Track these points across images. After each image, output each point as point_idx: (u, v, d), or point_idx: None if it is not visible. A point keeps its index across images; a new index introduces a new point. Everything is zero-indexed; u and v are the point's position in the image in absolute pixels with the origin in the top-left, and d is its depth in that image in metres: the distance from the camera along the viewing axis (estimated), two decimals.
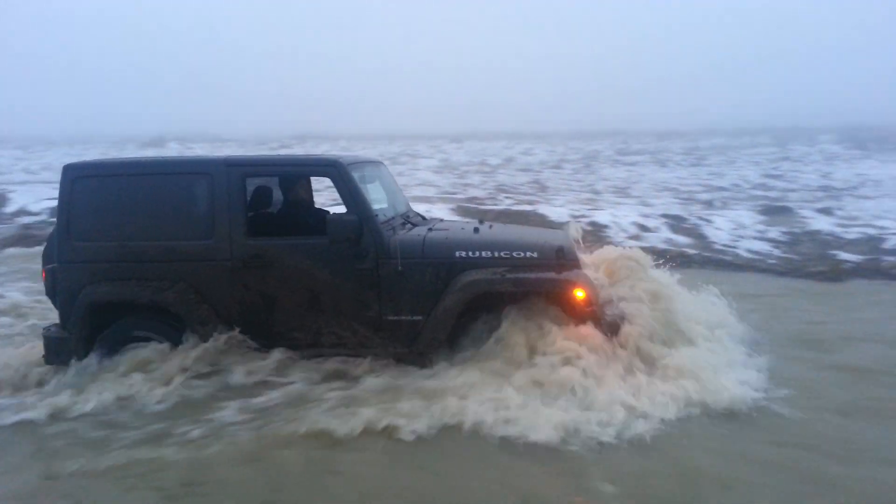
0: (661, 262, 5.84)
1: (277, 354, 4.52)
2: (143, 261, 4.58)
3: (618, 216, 12.28)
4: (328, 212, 5.08)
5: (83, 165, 4.79)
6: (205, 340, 4.47)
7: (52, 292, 4.75)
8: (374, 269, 4.46)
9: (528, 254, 4.51)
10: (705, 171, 22.82)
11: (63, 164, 4.85)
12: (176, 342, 4.56)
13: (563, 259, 4.50)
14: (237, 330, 4.53)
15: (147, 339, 4.63)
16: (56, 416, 4.16)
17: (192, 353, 4.45)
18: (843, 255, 9.26)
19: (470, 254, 4.50)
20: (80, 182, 4.67)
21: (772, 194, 17.03)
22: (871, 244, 9.99)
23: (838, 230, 11.20)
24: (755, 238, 10.85)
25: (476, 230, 4.86)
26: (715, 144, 34.41)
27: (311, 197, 5.62)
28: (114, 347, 4.62)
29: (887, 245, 9.85)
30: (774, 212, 13.33)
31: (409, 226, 5.00)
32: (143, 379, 4.39)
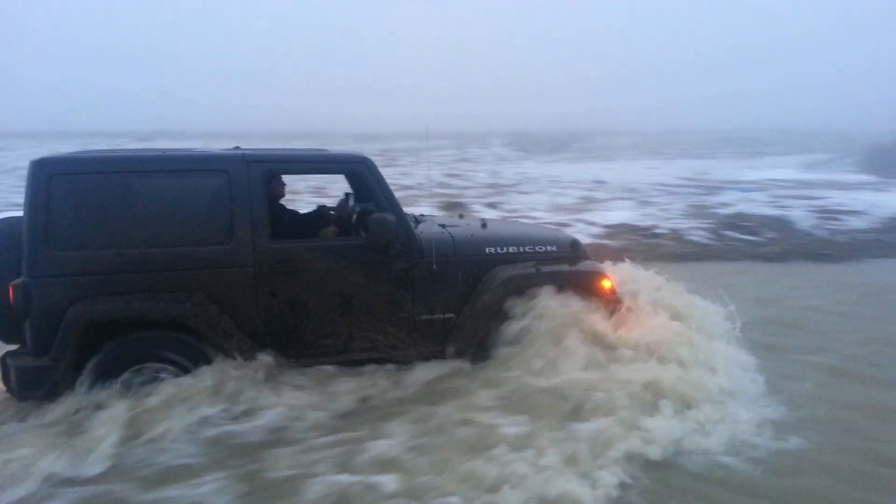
0: None
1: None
2: (147, 270, 3.94)
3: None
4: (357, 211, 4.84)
5: (64, 160, 4.00)
6: (231, 357, 4.00)
7: (23, 311, 3.79)
8: (409, 268, 4.37)
9: (549, 248, 4.79)
10: (396, 171, 24.11)
11: (31, 160, 3.92)
12: (195, 362, 3.97)
13: (578, 252, 4.85)
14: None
15: (148, 361, 3.93)
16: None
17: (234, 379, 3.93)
18: None
19: (498, 250, 4.64)
20: (61, 180, 3.85)
21: (450, 191, 19.06)
22: None
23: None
24: None
25: (484, 226, 5.01)
26: (407, 147, 36.92)
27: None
28: (111, 374, 3.88)
29: None
30: (451, 207, 15.03)
31: (416, 224, 4.87)
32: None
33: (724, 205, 15.10)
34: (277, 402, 3.92)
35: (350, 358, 4.33)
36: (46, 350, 3.81)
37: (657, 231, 12.44)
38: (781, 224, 12.93)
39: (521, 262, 4.60)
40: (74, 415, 3.73)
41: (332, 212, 4.91)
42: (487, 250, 4.60)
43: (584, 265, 4.77)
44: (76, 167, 3.97)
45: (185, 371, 3.97)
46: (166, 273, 3.97)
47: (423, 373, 4.33)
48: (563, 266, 4.68)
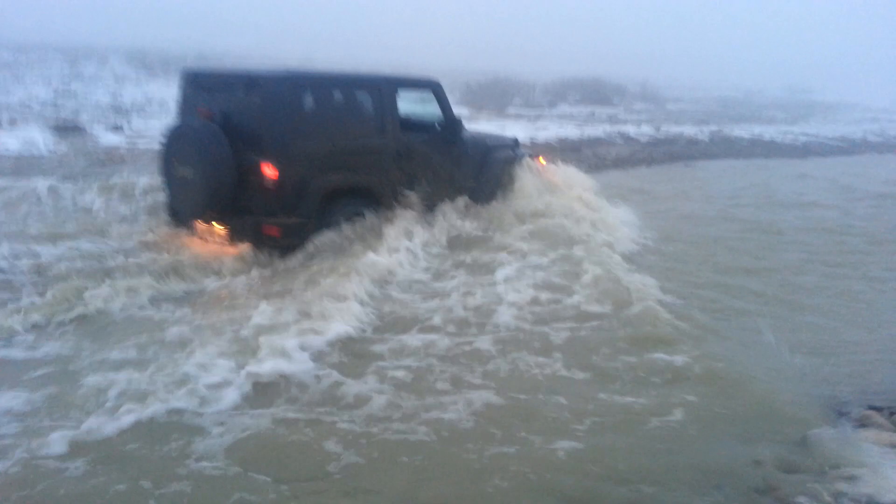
0: None
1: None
2: (348, 154, 5.96)
3: None
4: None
5: (298, 75, 5.91)
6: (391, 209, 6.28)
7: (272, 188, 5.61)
8: (461, 153, 7.20)
9: (510, 142, 8.26)
10: None
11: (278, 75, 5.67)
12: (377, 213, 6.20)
13: (518, 144, 8.45)
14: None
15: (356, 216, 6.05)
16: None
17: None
18: None
19: (492, 143, 7.89)
20: (293, 91, 5.63)
21: (64, 113, 17.24)
22: None
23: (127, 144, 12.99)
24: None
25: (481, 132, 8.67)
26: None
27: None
28: (339, 223, 5.86)
29: None
30: (67, 131, 13.91)
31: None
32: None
33: None
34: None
35: (433, 204, 6.84)
36: (296, 212, 5.55)
37: None
38: None
39: (502, 149, 7.86)
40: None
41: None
42: (488, 143, 7.78)
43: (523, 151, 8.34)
44: (303, 81, 5.84)
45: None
46: (355, 157, 6.03)
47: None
48: (521, 150, 8.29)
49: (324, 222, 5.74)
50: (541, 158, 8.34)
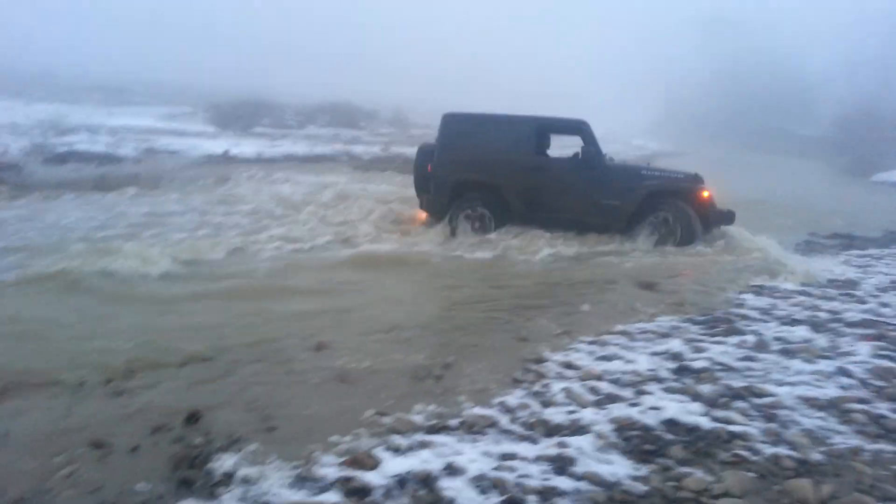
0: None
1: None
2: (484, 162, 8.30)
3: None
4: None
5: (457, 114, 8.55)
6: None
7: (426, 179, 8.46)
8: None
9: (681, 175, 8.31)
10: None
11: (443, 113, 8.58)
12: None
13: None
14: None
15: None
16: None
17: None
18: None
19: (650, 174, 8.33)
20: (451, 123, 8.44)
21: None
22: None
23: None
24: None
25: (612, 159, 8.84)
26: None
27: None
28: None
29: None
30: None
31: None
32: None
33: (67, 144, 17.07)
34: None
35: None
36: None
37: None
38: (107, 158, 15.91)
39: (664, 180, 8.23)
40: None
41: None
42: (643, 173, 8.30)
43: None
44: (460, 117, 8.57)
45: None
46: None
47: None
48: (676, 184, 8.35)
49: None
50: (700, 190, 8.04)
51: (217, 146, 19.90)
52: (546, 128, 8.62)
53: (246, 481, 2.37)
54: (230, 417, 2.93)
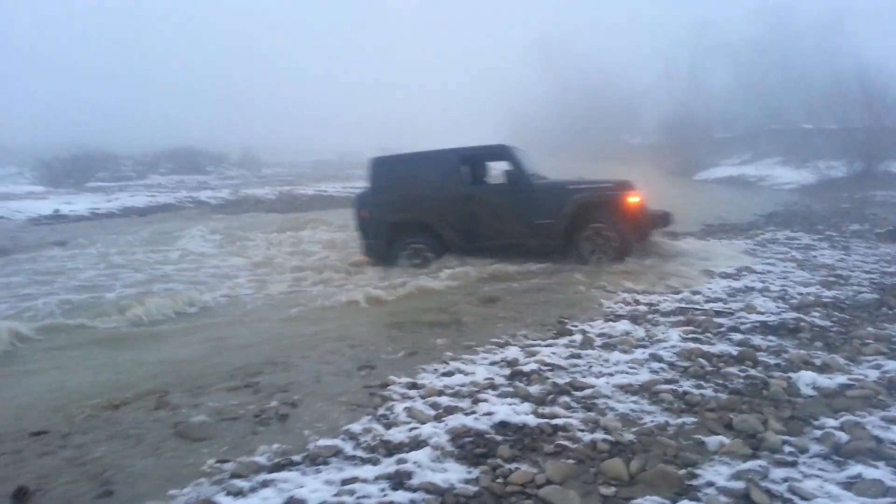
0: None
1: None
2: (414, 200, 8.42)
3: None
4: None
5: (383, 157, 8.81)
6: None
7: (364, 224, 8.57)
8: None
9: (608, 183, 8.19)
10: None
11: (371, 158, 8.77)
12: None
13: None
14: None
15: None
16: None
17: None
18: None
19: (575, 187, 8.18)
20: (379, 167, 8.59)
21: None
22: None
23: None
24: None
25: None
26: None
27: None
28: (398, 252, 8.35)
29: None
30: None
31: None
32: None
33: None
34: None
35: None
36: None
37: None
38: None
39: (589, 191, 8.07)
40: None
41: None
42: (569, 188, 8.13)
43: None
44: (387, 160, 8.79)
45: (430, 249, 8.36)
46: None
47: None
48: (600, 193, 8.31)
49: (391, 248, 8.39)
50: (629, 197, 7.84)
51: (46, 206, 18.36)
52: (470, 157, 8.61)
53: None
54: (65, 488, 2.79)
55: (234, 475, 2.79)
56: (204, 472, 2.85)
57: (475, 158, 8.84)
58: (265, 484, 2.68)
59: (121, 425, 3.51)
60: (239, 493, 2.61)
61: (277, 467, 2.85)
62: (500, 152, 8.46)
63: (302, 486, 2.64)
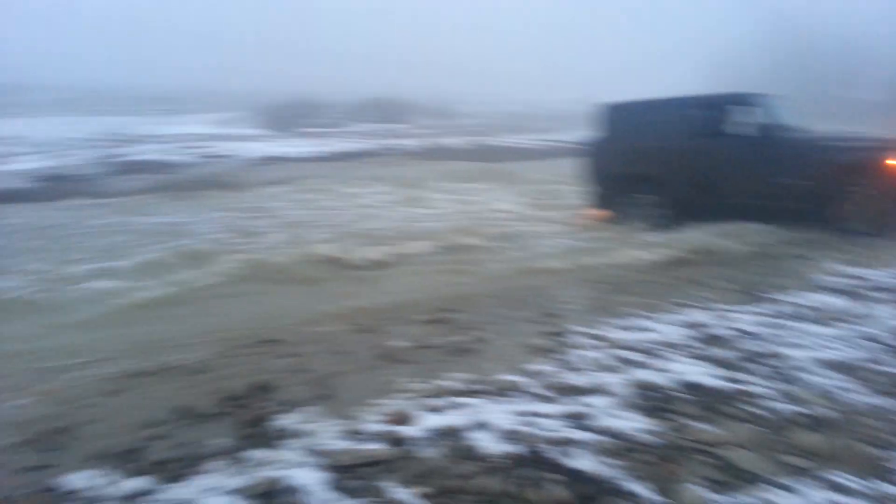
0: None
1: None
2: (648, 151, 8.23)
3: None
4: None
5: (619, 104, 8.62)
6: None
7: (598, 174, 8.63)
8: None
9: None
10: None
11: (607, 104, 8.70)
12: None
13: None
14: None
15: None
16: None
17: None
18: None
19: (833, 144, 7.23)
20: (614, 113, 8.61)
21: None
22: None
23: None
24: None
25: None
26: None
27: None
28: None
29: None
30: None
31: None
32: None
33: (133, 154, 18.92)
34: None
35: None
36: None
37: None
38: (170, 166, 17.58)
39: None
40: None
41: None
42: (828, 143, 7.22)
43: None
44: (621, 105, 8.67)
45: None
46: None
47: None
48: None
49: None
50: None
51: (271, 148, 20.66)
52: (711, 104, 7.80)
53: (303, 435, 2.70)
54: (292, 390, 3.30)
55: (429, 395, 3.08)
56: (403, 389, 3.18)
57: (716, 106, 7.77)
58: (455, 406, 2.93)
59: (336, 342, 4.02)
60: (434, 410, 2.89)
61: (468, 393, 3.09)
62: (743, 99, 7.64)
63: (490, 413, 2.84)
